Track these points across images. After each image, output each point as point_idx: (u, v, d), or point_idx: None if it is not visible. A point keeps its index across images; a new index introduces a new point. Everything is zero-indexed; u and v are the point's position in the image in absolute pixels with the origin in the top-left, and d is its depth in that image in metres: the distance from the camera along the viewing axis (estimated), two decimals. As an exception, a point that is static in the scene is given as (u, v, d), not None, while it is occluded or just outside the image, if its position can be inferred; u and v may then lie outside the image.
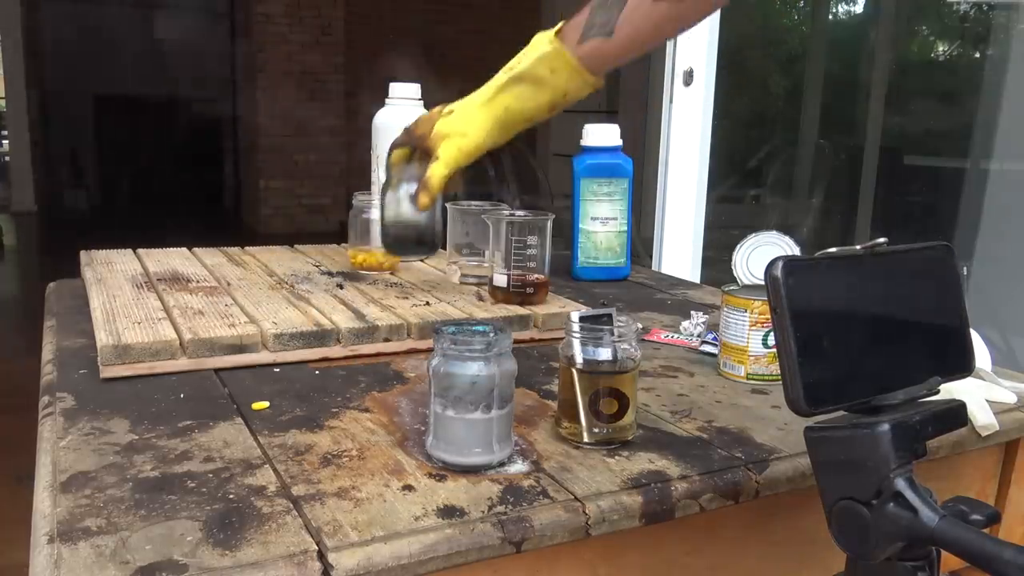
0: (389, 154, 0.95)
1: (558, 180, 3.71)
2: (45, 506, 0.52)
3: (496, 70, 0.86)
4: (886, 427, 0.46)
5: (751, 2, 4.12)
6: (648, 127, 4.42)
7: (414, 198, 0.89)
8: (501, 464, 0.60)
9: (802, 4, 5.20)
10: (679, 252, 2.06)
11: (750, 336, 0.80)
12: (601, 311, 0.65)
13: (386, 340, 0.86)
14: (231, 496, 0.54)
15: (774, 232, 0.84)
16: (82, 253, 1.15)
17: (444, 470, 0.59)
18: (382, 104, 1.16)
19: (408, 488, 0.56)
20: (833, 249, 0.50)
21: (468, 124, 0.85)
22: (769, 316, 0.48)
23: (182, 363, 0.78)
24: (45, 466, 0.58)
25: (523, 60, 0.83)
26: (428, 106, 1.16)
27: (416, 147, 0.91)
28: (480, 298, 0.99)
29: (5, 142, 7.99)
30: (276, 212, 7.06)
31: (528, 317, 0.93)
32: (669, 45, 1.99)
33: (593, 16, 0.78)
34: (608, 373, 0.63)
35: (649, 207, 2.10)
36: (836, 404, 0.48)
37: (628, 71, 5.78)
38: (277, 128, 6.93)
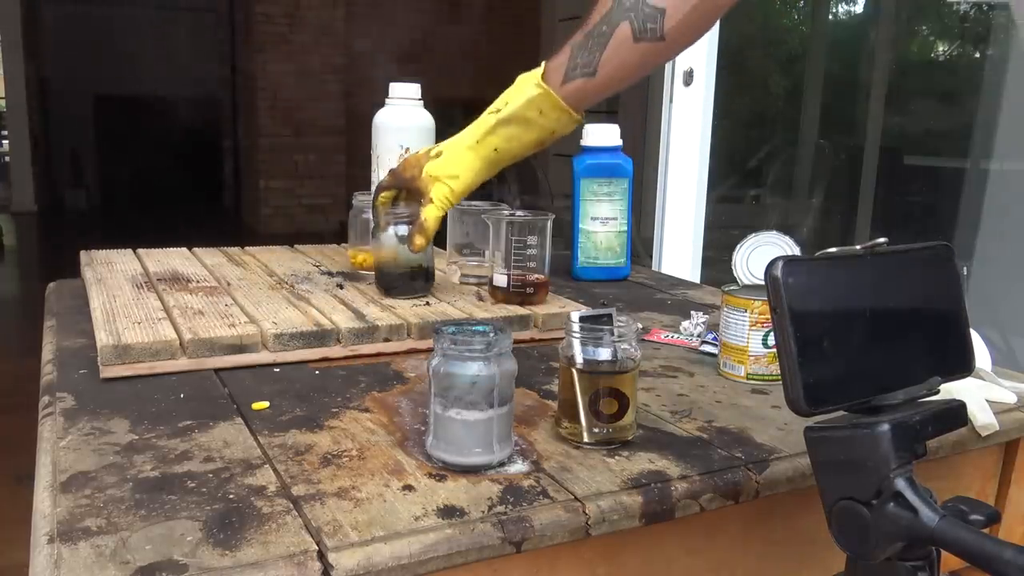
0: (375, 195, 0.96)
1: (558, 180, 3.71)
2: (45, 506, 0.52)
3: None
4: (886, 427, 0.46)
5: (751, 2, 4.12)
6: (648, 127, 4.42)
7: (407, 240, 0.92)
8: (501, 464, 0.60)
9: (802, 4, 5.20)
10: (679, 252, 2.06)
11: (750, 336, 0.80)
12: (601, 311, 0.65)
13: (386, 340, 0.86)
14: (231, 496, 0.54)
15: (774, 232, 0.84)
16: (82, 253, 1.15)
17: (444, 470, 0.59)
18: (382, 104, 1.17)
19: (408, 488, 0.56)
20: (833, 249, 0.50)
21: (458, 166, 0.88)
22: (769, 316, 0.48)
23: (182, 363, 0.78)
24: (45, 466, 0.58)
25: (510, 103, 0.85)
26: (427, 106, 1.16)
27: (403, 188, 0.93)
28: (480, 298, 0.99)
29: (5, 142, 7.99)
30: (276, 212, 7.06)
31: (528, 317, 0.93)
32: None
33: (574, 58, 0.81)
34: (608, 373, 0.63)
35: (649, 207, 2.10)
36: (836, 404, 0.48)
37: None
38: (277, 128, 6.93)
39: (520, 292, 0.96)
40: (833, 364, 0.48)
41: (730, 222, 3.44)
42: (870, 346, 0.50)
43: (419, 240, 0.90)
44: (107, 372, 0.75)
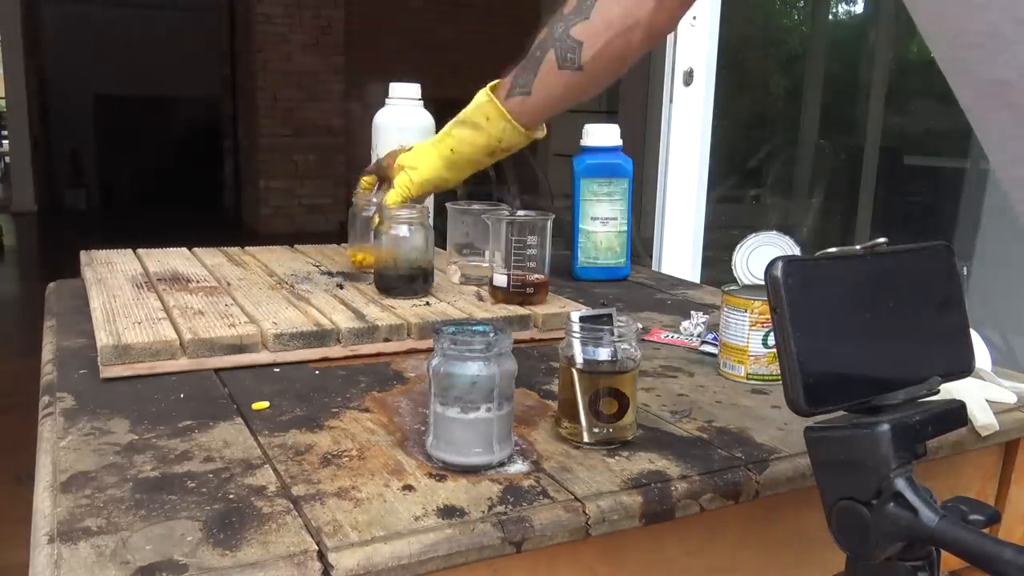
0: (358, 180, 1.08)
1: (558, 180, 3.71)
2: (45, 506, 0.52)
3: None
4: (886, 427, 0.46)
5: (752, 2, 4.12)
6: (648, 127, 4.42)
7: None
8: (501, 464, 0.60)
9: (802, 4, 5.20)
10: (679, 252, 2.06)
11: (750, 336, 0.80)
12: (601, 311, 0.65)
13: (386, 340, 0.86)
14: (231, 496, 0.54)
15: (774, 232, 0.84)
16: (82, 253, 1.15)
17: (444, 470, 0.59)
18: (382, 104, 1.17)
19: (408, 488, 0.56)
20: (833, 249, 0.50)
21: (421, 160, 0.98)
22: (769, 316, 0.48)
23: (182, 363, 0.78)
24: (45, 466, 0.58)
25: (467, 109, 0.94)
26: (427, 106, 1.16)
27: (381, 175, 1.05)
28: (480, 298, 0.99)
29: (5, 142, 7.99)
30: (276, 212, 7.06)
31: (528, 317, 0.93)
32: (669, 45, 1.99)
33: (516, 77, 0.89)
34: (608, 373, 0.63)
35: (649, 207, 2.10)
36: (836, 404, 0.48)
37: (628, 71, 5.78)
38: (277, 128, 6.94)
39: (520, 292, 0.96)
40: (833, 364, 0.48)
41: (730, 222, 3.44)
42: (870, 346, 0.50)
43: (376, 220, 1.01)
44: (107, 372, 0.75)
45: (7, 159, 7.83)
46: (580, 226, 1.26)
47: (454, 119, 0.95)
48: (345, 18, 6.98)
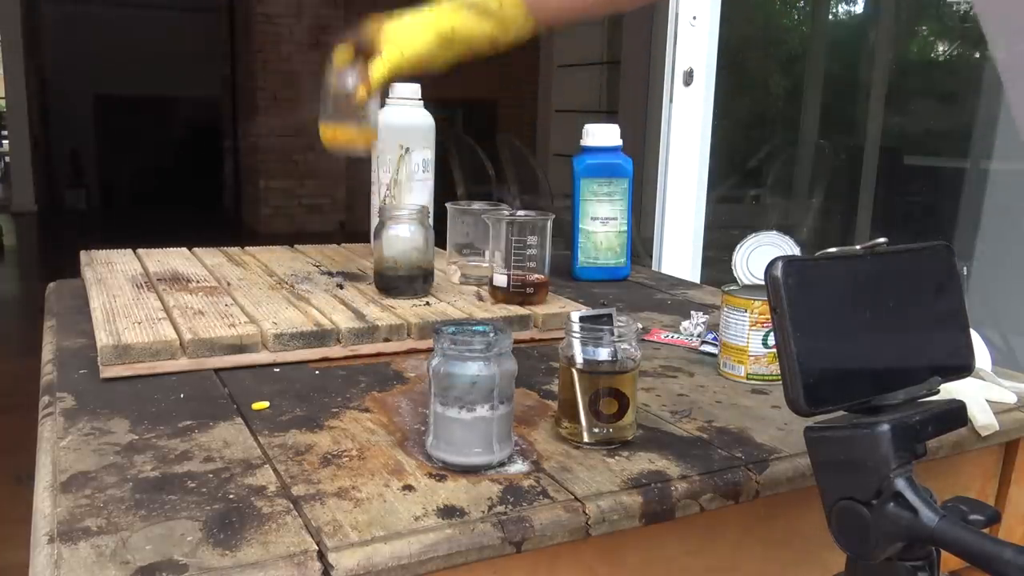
0: (333, 54, 0.96)
1: (558, 180, 3.71)
2: (45, 506, 0.52)
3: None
4: (886, 427, 0.46)
5: (752, 2, 4.12)
6: (648, 127, 4.42)
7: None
8: (501, 464, 0.60)
9: (802, 4, 5.20)
10: (679, 252, 2.06)
11: (750, 336, 0.80)
12: (601, 311, 0.65)
13: (386, 340, 0.86)
14: (231, 496, 0.54)
15: (774, 232, 0.84)
16: (82, 253, 1.15)
17: (444, 470, 0.59)
18: (382, 104, 1.16)
19: (408, 488, 0.56)
20: (833, 249, 0.50)
21: (414, 34, 0.90)
22: (769, 316, 0.48)
23: (182, 363, 0.78)
24: (45, 466, 0.58)
25: None
26: (427, 106, 1.16)
27: (362, 46, 0.94)
28: (480, 298, 0.99)
29: (5, 142, 7.99)
30: (276, 212, 7.06)
31: (528, 317, 0.93)
32: (669, 45, 1.99)
33: None
34: (608, 373, 0.63)
35: (649, 207, 2.10)
36: (836, 404, 0.48)
37: (628, 71, 5.79)
38: (277, 128, 6.93)
39: (520, 292, 0.96)
40: (833, 364, 0.48)
41: (730, 222, 3.44)
42: (870, 346, 0.50)
43: (362, 92, 0.92)
44: (107, 372, 0.75)
45: (7, 159, 7.83)
46: (580, 226, 1.26)
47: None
48: (345, 18, 6.98)
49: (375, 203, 1.15)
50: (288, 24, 6.80)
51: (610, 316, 0.64)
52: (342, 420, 0.68)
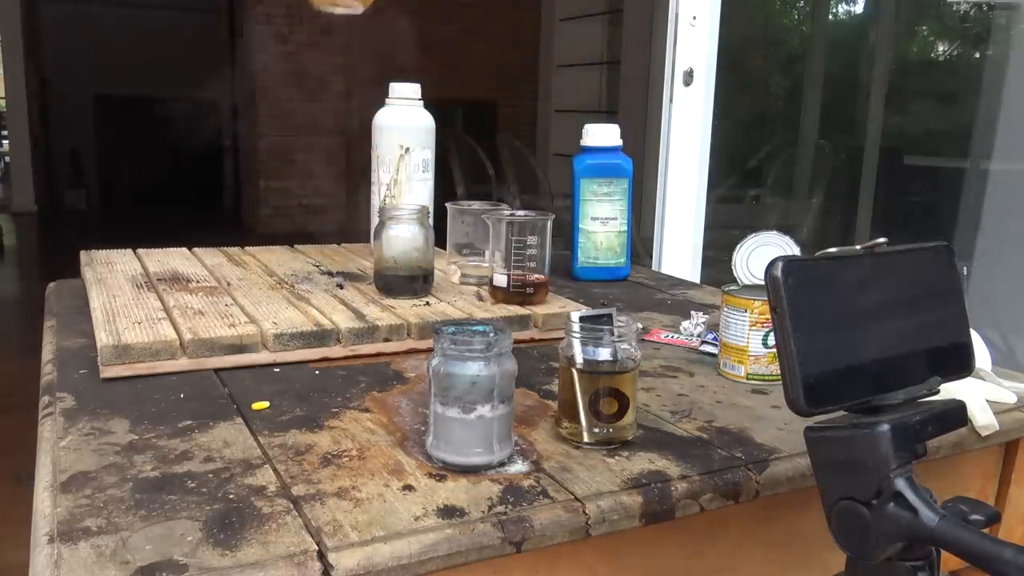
0: None
1: (558, 180, 3.71)
2: (45, 506, 0.52)
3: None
4: (886, 427, 0.46)
5: (751, 2, 4.12)
6: (648, 127, 4.43)
7: None
8: (501, 464, 0.60)
9: (802, 4, 5.20)
10: (679, 252, 2.06)
11: (750, 336, 0.80)
12: (601, 311, 0.65)
13: (386, 340, 0.86)
14: (231, 496, 0.54)
15: (774, 232, 0.84)
16: (82, 253, 1.15)
17: (444, 470, 0.59)
18: (382, 104, 1.17)
19: (408, 488, 0.56)
20: (833, 249, 0.50)
21: None
22: (769, 316, 0.48)
23: (182, 363, 0.78)
24: (45, 466, 0.58)
25: None
26: (427, 106, 1.16)
27: None
28: (480, 298, 0.99)
29: (5, 142, 7.99)
30: (276, 212, 7.06)
31: (528, 317, 0.93)
32: (669, 45, 1.99)
33: None
34: (608, 373, 0.63)
35: (649, 207, 2.10)
36: (836, 404, 0.48)
37: (628, 71, 5.79)
38: (277, 128, 6.93)
39: (520, 292, 0.96)
40: (833, 364, 0.48)
41: (730, 222, 3.44)
42: (870, 346, 0.50)
43: None
44: (107, 372, 0.75)
45: (7, 159, 7.83)
46: (580, 226, 1.26)
47: None
48: (345, 18, 6.98)
49: (375, 203, 1.15)
50: (288, 24, 6.80)
51: (610, 316, 0.64)
52: (342, 420, 0.68)
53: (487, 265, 1.02)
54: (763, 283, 0.47)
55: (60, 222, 7.40)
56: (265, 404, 0.70)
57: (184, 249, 1.22)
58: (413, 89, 1.15)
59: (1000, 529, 0.77)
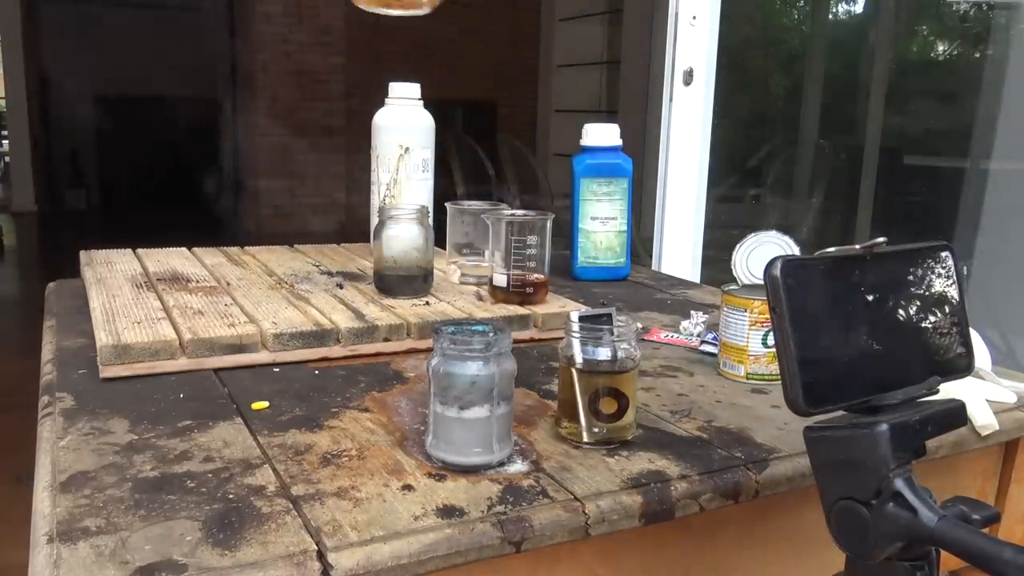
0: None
1: (558, 180, 3.71)
2: (45, 506, 0.52)
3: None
4: (885, 427, 0.46)
5: (752, 2, 4.12)
6: (648, 127, 4.42)
7: None
8: (501, 464, 0.60)
9: (802, 4, 5.20)
10: (679, 252, 2.06)
11: (750, 336, 0.80)
12: (601, 311, 0.65)
13: (386, 340, 0.86)
14: (231, 496, 0.54)
15: (774, 232, 0.84)
16: (82, 253, 1.15)
17: (444, 470, 0.59)
18: (382, 104, 1.17)
19: (408, 488, 0.56)
20: (833, 249, 0.50)
21: None
22: (769, 316, 0.48)
23: (182, 363, 0.78)
24: (45, 466, 0.58)
25: None
26: (427, 106, 1.16)
27: None
28: (480, 298, 0.99)
29: (5, 142, 7.99)
30: (276, 212, 7.06)
31: (528, 317, 0.93)
32: (669, 45, 1.99)
33: None
34: (608, 373, 0.63)
35: (649, 207, 2.10)
36: (835, 404, 0.48)
37: (628, 71, 5.78)
38: (277, 128, 6.93)
39: (520, 292, 0.96)
40: (832, 364, 0.48)
41: (730, 222, 3.44)
42: (869, 346, 0.50)
43: None
44: (107, 372, 0.75)
45: (7, 159, 7.83)
46: (580, 226, 1.26)
47: None
48: (345, 18, 6.98)
49: (375, 203, 1.15)
50: (288, 24, 6.80)
51: (610, 316, 0.64)
52: (342, 420, 0.68)
53: (487, 265, 1.02)
54: (763, 283, 0.47)
55: (60, 222, 7.40)
56: (265, 404, 0.70)
57: (184, 249, 1.22)
58: (413, 89, 1.15)
59: (1000, 529, 0.77)
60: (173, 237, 1.45)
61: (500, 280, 0.96)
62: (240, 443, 0.62)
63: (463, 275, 1.08)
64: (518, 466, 0.60)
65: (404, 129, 1.14)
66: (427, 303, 0.95)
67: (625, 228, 1.27)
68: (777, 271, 0.46)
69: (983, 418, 0.72)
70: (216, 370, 0.78)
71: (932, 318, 0.54)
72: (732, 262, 0.85)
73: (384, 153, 1.14)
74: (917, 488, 0.45)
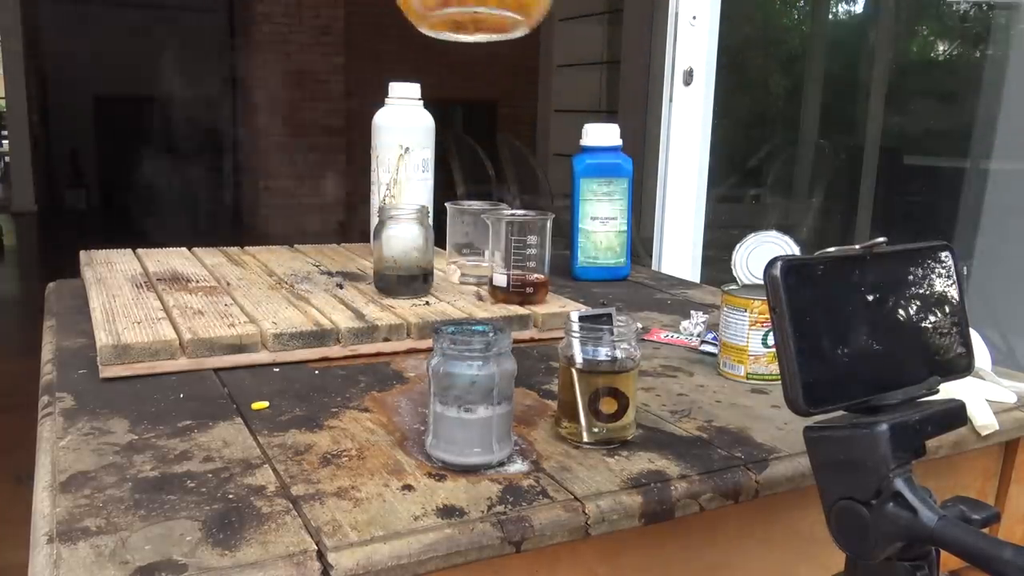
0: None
1: (558, 180, 3.71)
2: (45, 506, 0.52)
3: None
4: (885, 427, 0.46)
5: (752, 2, 4.12)
6: (648, 127, 4.42)
7: None
8: (501, 464, 0.60)
9: (802, 4, 5.20)
10: (679, 252, 2.06)
11: (750, 336, 0.80)
12: (601, 311, 0.65)
13: (386, 340, 0.86)
14: (230, 496, 0.54)
15: (774, 232, 0.84)
16: (82, 253, 1.15)
17: (444, 470, 0.59)
18: (382, 104, 1.17)
19: (408, 488, 0.56)
20: (833, 249, 0.50)
21: None
22: (769, 316, 0.48)
23: (182, 363, 0.78)
24: (45, 466, 0.58)
25: None
26: (427, 106, 1.16)
27: None
28: (480, 298, 0.99)
29: (5, 142, 8.00)
30: (276, 212, 7.06)
31: (528, 317, 0.93)
32: (669, 45, 1.99)
33: None
34: (608, 373, 0.63)
35: (649, 207, 2.10)
36: (835, 404, 0.48)
37: (628, 71, 5.78)
38: (277, 128, 6.93)
39: (520, 292, 0.96)
40: (832, 364, 0.48)
41: (730, 222, 3.44)
42: (869, 346, 0.50)
43: None
44: (107, 372, 0.75)
45: (7, 159, 7.84)
46: (580, 226, 1.26)
47: None
48: (345, 18, 6.98)
49: (375, 203, 1.15)
50: (288, 24, 6.80)
51: (610, 316, 0.64)
52: (342, 420, 0.68)
53: (487, 265, 1.02)
54: (763, 283, 0.47)
55: (60, 222, 7.41)
56: (265, 404, 0.70)
57: (184, 249, 1.22)
58: (413, 89, 1.15)
59: (1000, 529, 0.77)
60: (173, 237, 1.45)
61: (500, 280, 0.96)
62: (240, 443, 0.62)
63: (463, 275, 1.08)
64: (518, 466, 0.60)
65: (404, 129, 1.14)
66: (427, 303, 0.95)
67: (625, 228, 1.27)
68: (777, 271, 0.46)
69: (983, 418, 0.72)
70: (216, 370, 0.78)
71: (932, 318, 0.54)
72: (732, 262, 0.85)
73: (384, 153, 1.14)
74: (917, 488, 0.45)
